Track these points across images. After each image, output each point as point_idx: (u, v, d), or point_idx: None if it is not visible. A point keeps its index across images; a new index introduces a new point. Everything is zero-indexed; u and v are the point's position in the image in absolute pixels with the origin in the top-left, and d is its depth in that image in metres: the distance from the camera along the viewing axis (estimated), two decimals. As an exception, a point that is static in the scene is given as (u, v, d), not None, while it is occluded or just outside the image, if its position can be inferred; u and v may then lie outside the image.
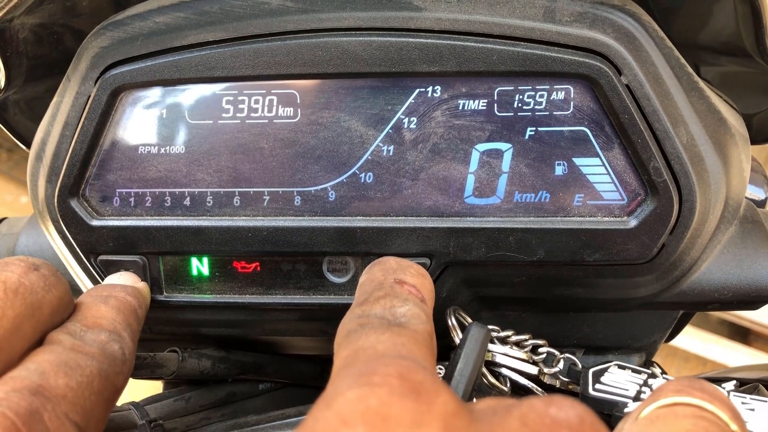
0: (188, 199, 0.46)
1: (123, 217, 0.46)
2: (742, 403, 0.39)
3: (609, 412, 0.40)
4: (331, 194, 0.45)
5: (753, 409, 0.38)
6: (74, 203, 0.46)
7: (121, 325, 0.38)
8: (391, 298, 0.35)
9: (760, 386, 0.45)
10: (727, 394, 0.40)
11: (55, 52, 0.50)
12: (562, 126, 0.43)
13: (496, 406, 0.26)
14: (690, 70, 0.43)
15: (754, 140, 0.53)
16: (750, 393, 0.41)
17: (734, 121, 0.47)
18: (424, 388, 0.24)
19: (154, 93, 0.44)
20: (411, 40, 0.42)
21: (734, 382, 0.44)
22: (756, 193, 0.62)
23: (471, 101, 0.43)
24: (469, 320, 0.45)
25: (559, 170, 0.44)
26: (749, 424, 0.37)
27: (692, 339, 2.09)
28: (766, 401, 0.39)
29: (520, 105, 0.43)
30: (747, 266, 0.47)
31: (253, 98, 0.44)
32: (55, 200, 0.45)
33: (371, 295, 0.35)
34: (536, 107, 0.43)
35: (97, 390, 0.33)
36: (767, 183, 0.63)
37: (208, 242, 0.46)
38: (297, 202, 0.45)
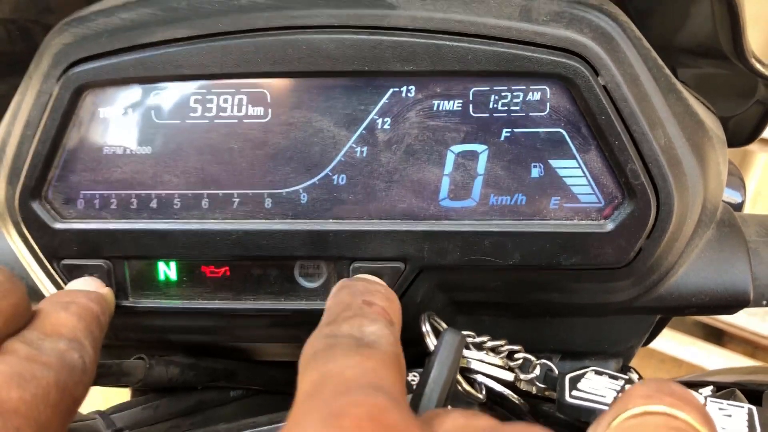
0: (155, 201, 0.44)
1: (87, 220, 0.45)
2: (720, 409, 0.39)
3: (586, 419, 0.39)
4: (303, 196, 0.44)
5: (730, 416, 0.38)
6: (36, 206, 0.44)
7: (82, 332, 0.36)
8: (360, 318, 0.34)
9: (737, 391, 0.45)
10: (704, 401, 0.40)
11: (21, 49, 0.48)
12: (538, 127, 0.42)
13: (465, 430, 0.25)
14: (667, 71, 0.43)
15: (731, 143, 0.53)
16: (727, 398, 0.41)
17: (711, 123, 0.46)
18: (396, 431, 0.23)
19: (119, 91, 0.43)
20: (384, 38, 0.41)
21: (711, 387, 0.44)
22: (733, 196, 0.62)
23: (446, 102, 0.42)
24: (444, 326, 0.44)
25: (535, 172, 0.43)
26: (726, 430, 0.36)
27: (668, 341, 2.10)
28: (743, 407, 0.39)
29: (495, 106, 0.42)
30: (724, 270, 0.47)
31: (222, 97, 0.43)
32: (16, 203, 0.44)
33: (339, 315, 0.35)
34: (512, 108, 0.42)
35: (54, 402, 0.31)
36: (743, 186, 0.63)
37: (175, 246, 0.44)
38: (268, 204, 0.44)
